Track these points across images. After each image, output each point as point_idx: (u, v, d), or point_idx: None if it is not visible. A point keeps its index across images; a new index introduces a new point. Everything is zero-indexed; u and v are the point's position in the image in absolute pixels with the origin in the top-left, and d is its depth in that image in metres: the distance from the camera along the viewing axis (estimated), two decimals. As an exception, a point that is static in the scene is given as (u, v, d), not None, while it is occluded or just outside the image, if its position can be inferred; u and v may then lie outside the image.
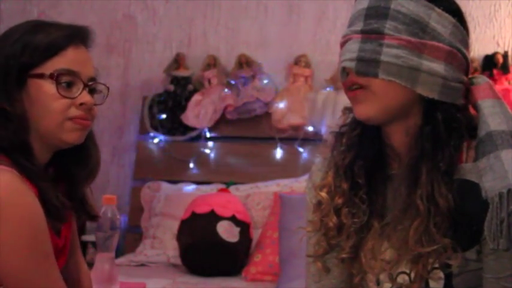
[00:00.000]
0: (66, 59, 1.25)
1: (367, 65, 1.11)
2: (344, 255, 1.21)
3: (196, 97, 3.33)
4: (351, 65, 1.12)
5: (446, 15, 1.12)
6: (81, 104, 1.25)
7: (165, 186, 3.29)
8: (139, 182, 3.42)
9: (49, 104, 1.23)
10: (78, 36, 1.29)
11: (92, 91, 1.31)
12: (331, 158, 1.25)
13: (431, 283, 1.12)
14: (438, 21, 1.11)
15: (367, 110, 1.13)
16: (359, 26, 1.13)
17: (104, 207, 1.38)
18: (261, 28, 3.42)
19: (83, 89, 1.26)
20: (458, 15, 1.14)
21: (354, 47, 1.12)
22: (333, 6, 3.29)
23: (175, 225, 2.89)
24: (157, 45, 3.55)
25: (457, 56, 1.13)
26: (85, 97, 1.26)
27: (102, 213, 1.37)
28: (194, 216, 2.79)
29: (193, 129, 3.35)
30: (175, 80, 3.40)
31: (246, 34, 3.44)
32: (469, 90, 1.17)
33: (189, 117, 3.31)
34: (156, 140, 3.40)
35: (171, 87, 3.38)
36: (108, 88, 1.38)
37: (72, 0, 3.60)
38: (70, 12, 3.57)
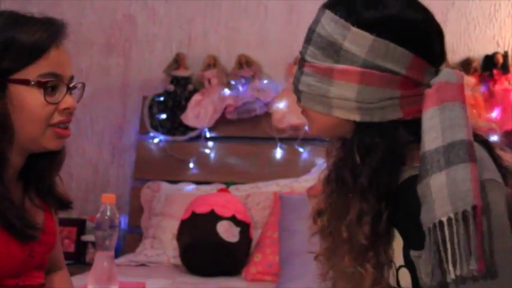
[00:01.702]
0: (50, 62, 1.21)
1: (297, 92, 1.16)
2: (319, 258, 1.26)
3: (196, 97, 3.32)
4: (292, 88, 1.18)
5: (363, 33, 1.07)
6: (64, 109, 1.23)
7: (165, 186, 3.29)
8: (139, 182, 3.42)
9: (35, 112, 1.20)
10: (58, 33, 1.25)
11: (71, 89, 1.27)
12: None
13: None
14: (353, 41, 1.08)
15: (311, 129, 1.19)
16: (302, 45, 1.16)
17: (103, 205, 1.38)
18: (261, 28, 3.42)
19: (66, 92, 1.23)
20: (381, 27, 1.08)
21: (295, 71, 1.17)
22: (333, 6, 3.29)
23: (175, 225, 2.89)
24: (157, 45, 3.55)
25: (374, 75, 1.07)
26: (68, 101, 1.23)
27: (101, 211, 1.37)
28: (194, 216, 2.79)
29: (193, 129, 3.35)
30: (175, 80, 3.40)
31: (246, 34, 3.44)
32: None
33: (189, 117, 3.31)
34: (156, 140, 3.40)
35: (171, 87, 3.38)
36: (84, 85, 1.34)
37: (72, 0, 3.60)
38: (70, 12, 3.57)
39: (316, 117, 1.15)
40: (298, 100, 1.16)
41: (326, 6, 1.13)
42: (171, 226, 2.99)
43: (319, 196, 1.26)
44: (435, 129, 1.06)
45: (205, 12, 3.51)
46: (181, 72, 3.41)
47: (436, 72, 1.13)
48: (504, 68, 3.05)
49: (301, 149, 3.19)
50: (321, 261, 1.27)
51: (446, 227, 0.99)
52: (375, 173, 1.10)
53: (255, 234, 2.90)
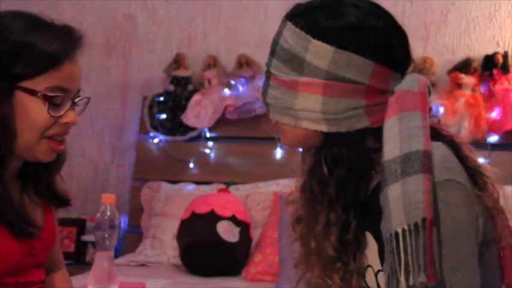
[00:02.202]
0: (61, 76, 1.19)
1: (265, 104, 1.16)
2: (300, 265, 1.26)
3: (196, 97, 3.32)
4: (263, 100, 1.17)
5: (324, 45, 1.06)
6: (64, 123, 1.22)
7: (165, 186, 3.29)
8: (139, 182, 3.42)
9: (35, 122, 1.19)
10: (74, 46, 1.23)
11: (75, 104, 1.26)
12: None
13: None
14: (315, 53, 1.07)
15: (283, 140, 1.19)
16: (268, 57, 1.15)
17: (103, 205, 1.38)
18: (261, 28, 3.42)
19: (70, 106, 1.22)
20: (340, 38, 1.07)
21: (263, 83, 1.17)
22: (333, 6, 3.28)
23: (175, 225, 2.89)
24: (157, 45, 3.55)
25: (338, 86, 1.07)
26: (69, 116, 1.22)
27: (101, 211, 1.37)
28: (194, 216, 2.79)
29: (193, 129, 3.35)
30: (175, 80, 3.40)
31: (246, 34, 3.44)
32: None
33: (189, 117, 3.31)
34: (156, 140, 3.40)
35: (171, 87, 3.38)
36: (89, 99, 1.32)
37: (72, 0, 3.60)
38: (70, 12, 3.57)
39: (286, 129, 1.15)
40: (268, 113, 1.16)
41: (288, 17, 1.13)
42: (171, 226, 2.99)
43: (296, 203, 1.26)
44: (394, 139, 1.06)
45: (205, 12, 3.51)
46: (181, 72, 3.41)
47: (402, 77, 1.12)
48: (504, 68, 3.05)
49: (301, 149, 3.18)
50: (300, 269, 1.27)
51: (401, 238, 1.00)
52: (342, 184, 1.11)
53: (255, 234, 2.90)
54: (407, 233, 1.00)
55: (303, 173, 1.24)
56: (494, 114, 3.01)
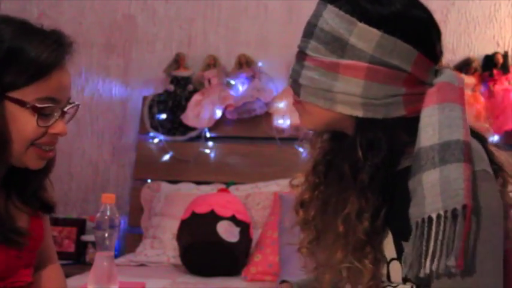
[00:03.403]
0: (50, 87, 1.18)
1: (295, 85, 1.14)
2: (302, 250, 1.26)
3: (196, 97, 3.32)
4: (289, 82, 1.17)
5: (370, 29, 1.07)
6: (54, 134, 1.21)
7: (165, 186, 3.29)
8: (139, 182, 3.42)
9: (24, 132, 1.18)
10: (64, 55, 1.21)
11: (65, 113, 1.25)
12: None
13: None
14: (360, 36, 1.07)
15: (304, 123, 1.18)
16: (300, 40, 1.15)
17: (103, 205, 1.38)
18: (261, 28, 3.42)
19: (60, 116, 1.21)
20: (388, 23, 1.08)
21: (293, 64, 1.16)
22: (333, 6, 3.28)
23: (175, 225, 2.89)
24: (157, 45, 3.55)
25: (381, 71, 1.07)
26: (59, 127, 1.21)
27: (101, 211, 1.37)
28: (194, 216, 2.79)
29: (193, 129, 3.35)
30: (175, 80, 3.40)
31: (246, 34, 3.44)
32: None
33: (189, 117, 3.31)
34: (156, 140, 3.40)
35: (171, 87, 3.38)
36: (78, 106, 1.29)
37: (72, 0, 3.60)
38: (70, 12, 3.57)
39: (315, 111, 1.13)
40: (297, 94, 1.15)
41: (328, 0, 1.11)
42: (171, 226, 2.99)
43: (302, 186, 1.27)
44: (432, 127, 1.07)
45: (205, 12, 3.50)
46: (181, 72, 3.41)
47: (436, 72, 1.13)
48: (504, 68, 3.05)
49: (301, 149, 3.19)
50: (303, 254, 1.27)
51: (434, 223, 1.01)
52: (376, 170, 1.10)
53: (255, 234, 2.90)
54: (442, 219, 1.00)
55: (311, 157, 1.24)
56: (494, 114, 3.02)
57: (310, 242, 1.24)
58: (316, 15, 1.12)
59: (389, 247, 1.12)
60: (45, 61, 1.17)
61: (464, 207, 1.00)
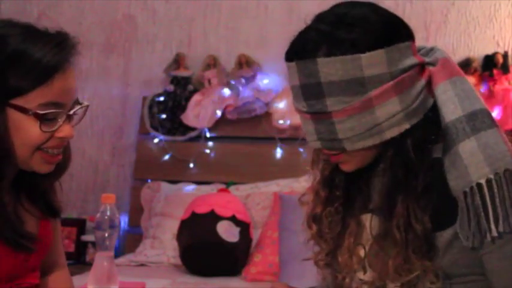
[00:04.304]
0: (53, 92, 1.16)
1: (332, 143, 1.12)
2: (321, 262, 1.26)
3: (196, 97, 3.33)
4: (318, 145, 1.14)
5: (375, 52, 1.07)
6: (60, 137, 1.20)
7: (165, 186, 3.29)
8: (139, 182, 3.42)
9: (29, 138, 1.17)
10: (68, 58, 1.19)
11: (71, 117, 1.23)
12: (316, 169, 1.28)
13: None
14: (371, 64, 1.07)
15: (350, 167, 1.17)
16: (303, 105, 1.12)
17: (103, 205, 1.38)
18: (261, 28, 3.42)
19: (65, 120, 1.20)
20: (381, 37, 1.08)
21: (310, 128, 1.13)
22: (333, 6, 3.29)
23: (175, 225, 2.89)
24: (157, 45, 3.55)
25: (404, 79, 1.09)
26: (65, 130, 1.20)
27: (101, 212, 1.37)
28: (194, 216, 2.79)
29: (193, 129, 3.35)
30: (175, 80, 3.40)
31: (246, 34, 3.44)
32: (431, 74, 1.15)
33: (189, 117, 3.31)
34: (156, 140, 3.40)
35: (171, 87, 3.39)
36: (87, 107, 1.28)
37: (72, 0, 3.60)
38: (70, 12, 3.57)
39: (361, 153, 1.13)
40: (339, 150, 1.13)
41: (310, 56, 1.08)
42: (171, 226, 2.99)
43: (312, 202, 1.27)
44: (452, 101, 1.10)
45: (205, 12, 3.50)
46: (181, 72, 3.41)
47: (427, 51, 1.18)
48: (504, 68, 3.05)
49: (301, 149, 3.19)
50: (321, 266, 1.28)
51: (485, 188, 1.03)
52: (428, 168, 1.11)
53: (255, 234, 2.90)
54: (493, 182, 1.02)
55: (320, 171, 1.25)
56: (494, 114, 3.01)
57: (327, 255, 1.25)
58: (310, 74, 1.08)
59: (369, 238, 1.16)
60: (48, 64, 1.15)
61: None
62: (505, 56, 3.09)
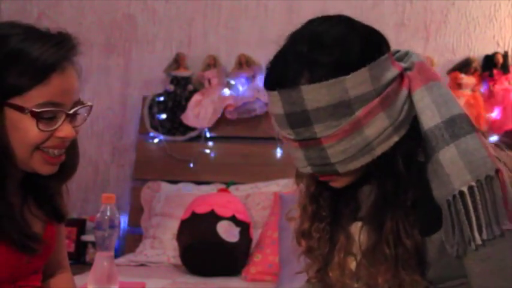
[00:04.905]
0: (51, 91, 1.15)
1: (324, 168, 1.10)
2: (313, 279, 1.26)
3: (196, 97, 3.32)
4: (309, 170, 1.12)
5: (358, 72, 1.04)
6: (60, 137, 1.18)
7: (165, 186, 3.29)
8: (139, 182, 3.42)
9: (27, 137, 1.16)
10: (66, 58, 1.18)
11: (71, 116, 1.22)
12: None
13: None
14: (355, 85, 1.04)
15: (341, 184, 1.15)
16: (289, 133, 1.09)
17: (103, 205, 1.38)
18: (261, 28, 3.42)
19: (65, 120, 1.19)
20: (363, 56, 1.06)
21: (299, 155, 1.10)
22: (332, 6, 3.28)
23: (175, 225, 2.89)
24: (157, 45, 3.55)
25: (389, 92, 1.07)
26: (65, 130, 1.18)
27: (101, 211, 1.37)
28: (194, 216, 2.79)
29: (193, 129, 3.35)
30: (175, 80, 3.40)
31: (246, 34, 3.44)
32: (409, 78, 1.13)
33: (189, 117, 3.31)
34: (156, 140, 3.40)
35: (171, 87, 3.38)
36: (91, 107, 1.26)
37: (72, 0, 3.60)
38: (70, 12, 3.57)
39: (350, 172, 1.10)
40: (332, 173, 1.11)
41: (293, 84, 1.05)
42: (171, 226, 2.99)
43: (299, 217, 1.26)
44: (429, 108, 1.09)
45: (205, 12, 3.50)
46: (181, 72, 3.41)
47: (400, 56, 1.16)
48: (504, 68, 3.05)
49: (301, 149, 3.18)
50: (314, 284, 1.28)
51: (468, 196, 1.02)
52: (416, 181, 1.10)
53: (255, 234, 2.90)
54: (475, 189, 1.02)
55: (303, 189, 1.25)
56: (494, 114, 3.02)
57: (318, 271, 1.25)
58: (295, 102, 1.05)
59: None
60: (45, 63, 1.14)
61: (497, 171, 1.02)
62: (505, 56, 3.09)
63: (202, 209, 2.79)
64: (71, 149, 1.27)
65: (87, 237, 3.27)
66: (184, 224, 2.81)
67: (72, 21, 3.51)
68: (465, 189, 1.02)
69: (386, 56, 1.08)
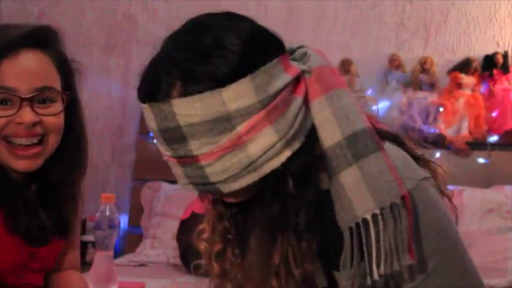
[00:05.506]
0: (0, 75, 1.15)
1: (205, 187, 0.98)
2: None
3: (196, 97, 3.32)
4: (191, 188, 1.00)
5: (237, 83, 0.91)
6: (19, 123, 1.17)
7: (165, 186, 3.29)
8: (139, 182, 3.42)
9: None
10: (18, 42, 1.17)
11: (45, 101, 1.21)
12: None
13: None
14: (235, 98, 0.91)
15: (235, 200, 1.02)
16: (166, 149, 0.99)
17: (102, 205, 1.38)
18: (261, 28, 3.42)
19: (21, 105, 1.17)
20: (243, 64, 0.92)
21: (178, 171, 1.00)
22: (332, 6, 3.28)
23: (175, 225, 2.89)
24: (158, 45, 3.54)
25: (277, 103, 0.93)
26: (24, 115, 1.16)
27: (101, 211, 1.38)
28: (194, 216, 2.78)
29: (193, 129, 3.34)
30: (175, 80, 3.40)
31: (246, 34, 3.44)
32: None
33: (189, 117, 3.31)
34: (156, 140, 3.40)
35: (171, 87, 3.38)
36: (66, 94, 1.25)
37: (72, 0, 3.60)
38: (70, 12, 3.57)
39: (242, 189, 0.96)
40: (216, 193, 1.00)
41: (164, 97, 0.95)
42: (171, 226, 2.99)
43: (209, 238, 1.17)
44: (329, 122, 0.96)
45: (205, 12, 3.50)
46: (181, 72, 3.41)
47: (301, 56, 1.03)
48: (504, 68, 3.06)
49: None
50: None
51: (371, 225, 0.92)
52: (310, 204, 0.97)
53: (255, 234, 2.90)
54: (379, 218, 0.91)
55: (210, 205, 1.14)
56: (494, 114, 3.02)
57: None
58: (166, 117, 0.94)
59: (319, 278, 1.01)
60: None
61: (402, 198, 0.92)
62: (505, 56, 3.09)
63: (202, 209, 2.79)
64: (73, 142, 1.28)
65: (87, 237, 3.26)
66: (184, 224, 2.80)
67: (72, 21, 3.51)
68: (369, 217, 0.91)
69: (276, 61, 0.94)
